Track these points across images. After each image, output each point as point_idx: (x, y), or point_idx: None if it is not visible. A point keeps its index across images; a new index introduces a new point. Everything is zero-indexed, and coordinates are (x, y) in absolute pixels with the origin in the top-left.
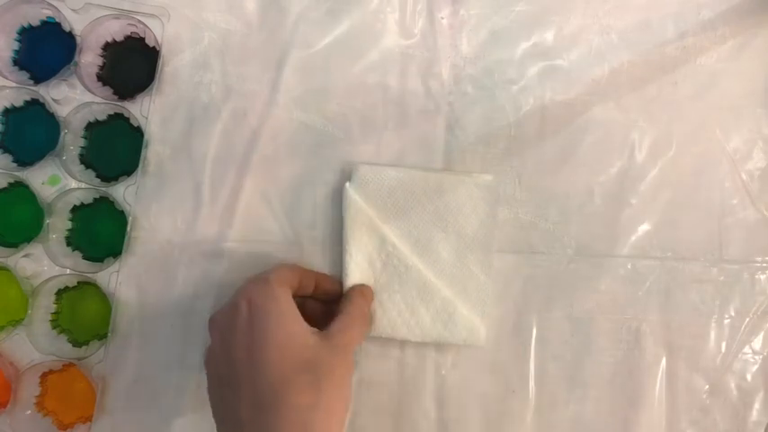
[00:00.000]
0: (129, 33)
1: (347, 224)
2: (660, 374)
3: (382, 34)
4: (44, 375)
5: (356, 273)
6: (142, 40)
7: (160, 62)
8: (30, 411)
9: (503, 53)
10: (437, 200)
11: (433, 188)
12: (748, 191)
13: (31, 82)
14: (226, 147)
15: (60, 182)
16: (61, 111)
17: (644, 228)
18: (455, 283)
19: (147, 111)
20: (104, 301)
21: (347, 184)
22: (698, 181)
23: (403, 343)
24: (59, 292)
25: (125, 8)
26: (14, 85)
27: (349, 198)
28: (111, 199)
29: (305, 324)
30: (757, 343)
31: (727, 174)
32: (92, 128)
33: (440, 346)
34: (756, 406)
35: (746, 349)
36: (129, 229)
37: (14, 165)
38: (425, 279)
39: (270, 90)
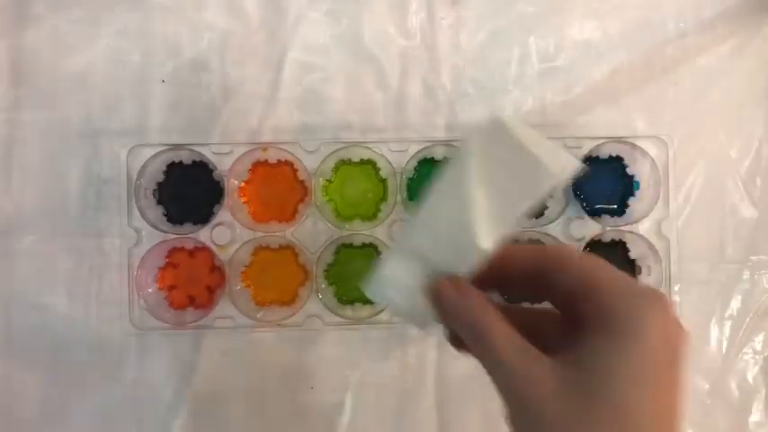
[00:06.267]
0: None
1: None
2: None
3: (382, 34)
4: (258, 249)
5: None
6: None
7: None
8: (238, 287)
9: (503, 53)
10: None
11: None
12: (748, 191)
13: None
14: None
15: None
16: None
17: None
18: None
19: None
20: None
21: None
22: (698, 181)
23: (404, 343)
24: None
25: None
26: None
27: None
28: None
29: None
30: (758, 343)
31: (727, 174)
32: None
33: (440, 346)
34: (757, 406)
35: (747, 349)
36: None
37: None
38: None
39: (270, 90)
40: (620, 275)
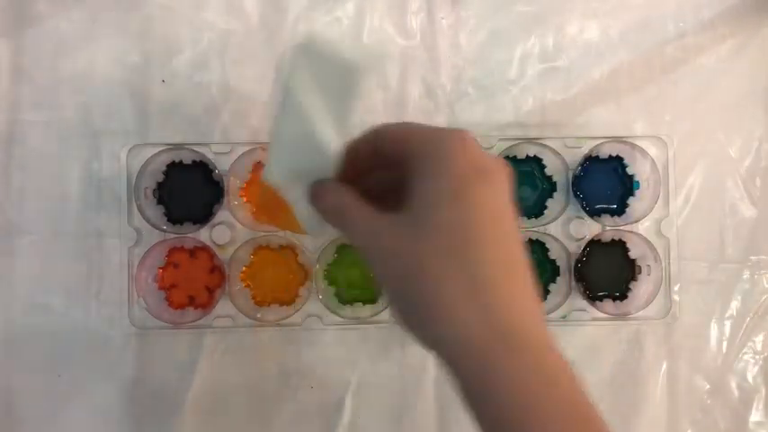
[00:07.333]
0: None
1: None
2: (661, 374)
3: (382, 34)
4: (258, 249)
5: None
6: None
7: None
8: (238, 287)
9: (503, 53)
10: None
11: None
12: (748, 190)
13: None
14: None
15: None
16: None
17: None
18: None
19: None
20: None
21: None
22: (698, 181)
23: (404, 343)
24: None
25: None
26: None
27: None
28: None
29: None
30: (758, 343)
31: (727, 174)
32: None
33: None
34: (757, 406)
35: (747, 349)
36: None
37: None
38: None
39: (270, 90)
40: (427, 126)
